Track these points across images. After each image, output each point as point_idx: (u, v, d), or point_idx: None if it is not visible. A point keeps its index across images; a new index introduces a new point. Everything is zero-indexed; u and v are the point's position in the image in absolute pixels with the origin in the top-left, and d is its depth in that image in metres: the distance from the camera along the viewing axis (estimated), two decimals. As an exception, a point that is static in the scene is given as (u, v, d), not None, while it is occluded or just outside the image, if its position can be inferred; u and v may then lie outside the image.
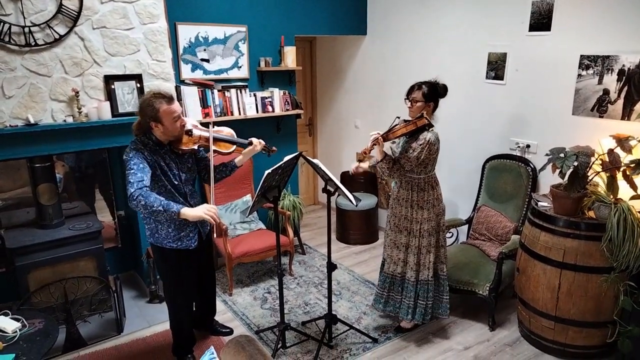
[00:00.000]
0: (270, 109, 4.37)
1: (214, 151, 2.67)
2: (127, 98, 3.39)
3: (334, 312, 3.25)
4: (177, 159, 2.60)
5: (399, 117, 2.95)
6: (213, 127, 2.69)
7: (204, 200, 4.13)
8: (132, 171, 2.35)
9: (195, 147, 2.61)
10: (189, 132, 2.58)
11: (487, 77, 3.85)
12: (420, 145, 2.81)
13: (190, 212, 2.33)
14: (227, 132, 2.81)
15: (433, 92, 2.88)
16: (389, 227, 3.12)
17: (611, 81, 3.07)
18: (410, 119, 2.91)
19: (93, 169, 3.89)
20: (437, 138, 2.88)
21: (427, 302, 3.05)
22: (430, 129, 2.85)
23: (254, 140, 2.76)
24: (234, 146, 2.76)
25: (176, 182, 2.58)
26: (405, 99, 2.95)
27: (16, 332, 2.42)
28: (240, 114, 4.19)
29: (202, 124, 2.79)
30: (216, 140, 2.69)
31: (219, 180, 2.85)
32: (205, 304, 3.18)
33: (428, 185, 2.97)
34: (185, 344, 2.95)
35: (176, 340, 2.95)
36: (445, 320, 3.39)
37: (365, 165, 3.13)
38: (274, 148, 2.83)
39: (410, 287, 3.04)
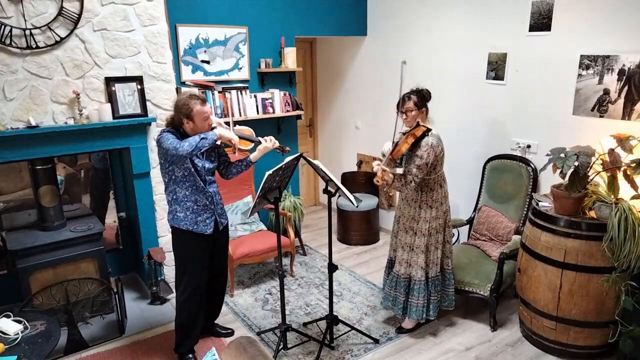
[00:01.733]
0: (270, 110, 4.37)
1: (234, 147, 2.90)
2: (128, 100, 3.39)
3: (335, 313, 3.25)
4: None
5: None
6: (235, 125, 2.94)
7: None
8: (169, 141, 2.60)
9: (218, 142, 2.83)
10: (213, 129, 2.81)
11: (487, 78, 3.85)
12: (426, 151, 2.86)
13: (223, 132, 2.72)
14: (246, 130, 2.94)
15: (422, 99, 2.95)
16: (398, 227, 3.15)
17: (611, 81, 3.07)
18: (407, 128, 2.95)
19: (94, 170, 3.90)
20: (439, 139, 2.93)
21: (437, 297, 3.11)
22: (430, 133, 2.90)
23: (271, 138, 2.94)
24: (252, 144, 2.96)
25: (199, 169, 2.79)
26: (397, 112, 3.01)
27: (18, 334, 2.43)
28: (240, 115, 4.19)
29: (225, 122, 3.00)
30: (239, 137, 2.89)
31: (235, 175, 3.06)
32: (213, 302, 3.18)
33: (437, 185, 3.01)
34: (189, 338, 2.94)
35: (179, 334, 2.95)
36: (447, 321, 3.39)
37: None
38: (287, 148, 3.02)
39: (421, 287, 3.06)
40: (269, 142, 2.91)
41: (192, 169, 2.74)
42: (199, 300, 2.94)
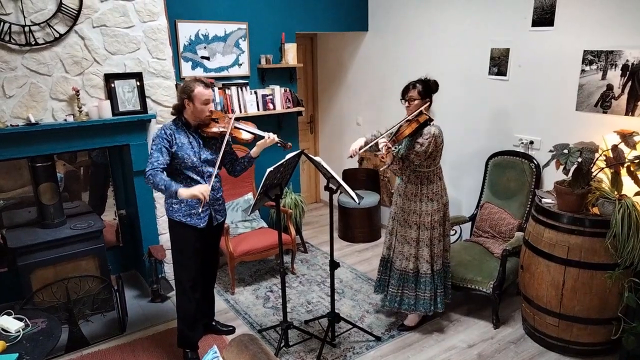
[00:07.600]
0: (271, 106, 4.35)
1: (232, 137, 2.88)
2: (128, 96, 3.38)
3: (336, 311, 3.24)
4: (201, 139, 2.84)
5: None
6: (236, 121, 2.93)
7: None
8: (151, 151, 2.69)
9: (218, 130, 2.83)
10: (216, 120, 2.86)
11: (490, 73, 3.83)
12: (427, 139, 2.86)
13: (185, 192, 2.60)
14: (250, 124, 3.01)
15: (427, 89, 2.95)
16: (398, 223, 3.12)
17: (615, 76, 3.05)
18: (410, 118, 2.92)
19: (94, 167, 3.89)
20: (440, 130, 2.94)
21: (443, 290, 3.13)
22: (432, 123, 2.90)
23: (270, 134, 2.91)
24: (251, 135, 2.94)
25: (195, 159, 2.78)
26: (401, 99, 3.00)
27: (19, 331, 2.42)
28: (241, 111, 4.18)
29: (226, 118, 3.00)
30: (236, 128, 2.91)
31: (241, 172, 3.07)
32: (204, 299, 3.17)
33: (436, 177, 3.02)
34: (189, 332, 2.93)
35: (180, 328, 2.94)
36: (449, 318, 3.38)
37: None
38: (289, 144, 2.95)
39: (428, 280, 3.06)
40: (268, 139, 2.89)
41: (188, 163, 2.75)
42: (195, 293, 2.92)
